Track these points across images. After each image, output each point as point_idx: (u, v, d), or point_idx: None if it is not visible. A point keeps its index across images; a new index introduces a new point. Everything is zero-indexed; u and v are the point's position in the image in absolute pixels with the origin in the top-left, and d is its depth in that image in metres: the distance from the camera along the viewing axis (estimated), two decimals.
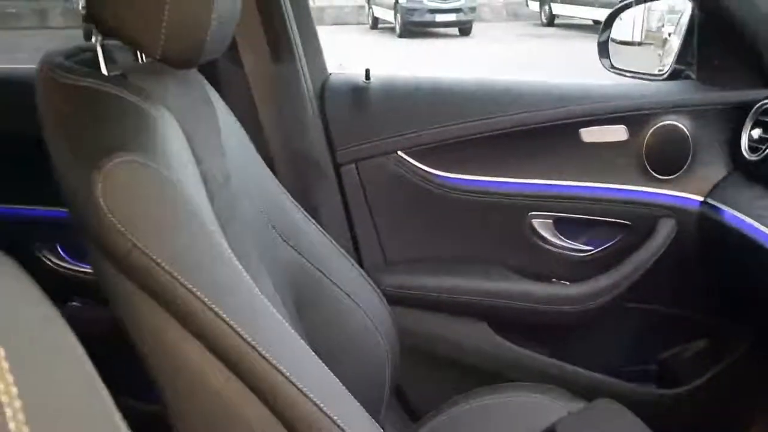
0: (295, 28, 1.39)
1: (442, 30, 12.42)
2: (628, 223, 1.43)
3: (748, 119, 1.34)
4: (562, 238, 1.46)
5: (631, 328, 1.49)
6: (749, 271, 1.25)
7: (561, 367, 1.44)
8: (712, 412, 1.43)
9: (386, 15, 12.49)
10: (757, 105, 1.33)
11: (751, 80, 1.36)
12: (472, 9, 12.70)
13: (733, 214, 1.28)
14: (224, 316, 0.68)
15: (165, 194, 0.70)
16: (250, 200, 1.01)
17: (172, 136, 0.76)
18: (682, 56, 1.52)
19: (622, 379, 1.46)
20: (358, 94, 1.44)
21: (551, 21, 12.40)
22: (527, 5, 13.56)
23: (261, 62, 1.37)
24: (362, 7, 13.35)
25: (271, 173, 1.13)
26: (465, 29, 12.35)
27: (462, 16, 12.34)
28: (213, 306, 0.67)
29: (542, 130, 1.41)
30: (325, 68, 1.50)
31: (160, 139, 0.74)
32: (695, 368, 1.44)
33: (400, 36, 11.80)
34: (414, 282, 1.44)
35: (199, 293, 0.67)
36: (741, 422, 1.41)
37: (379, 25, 12.86)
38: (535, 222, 1.44)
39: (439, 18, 12.00)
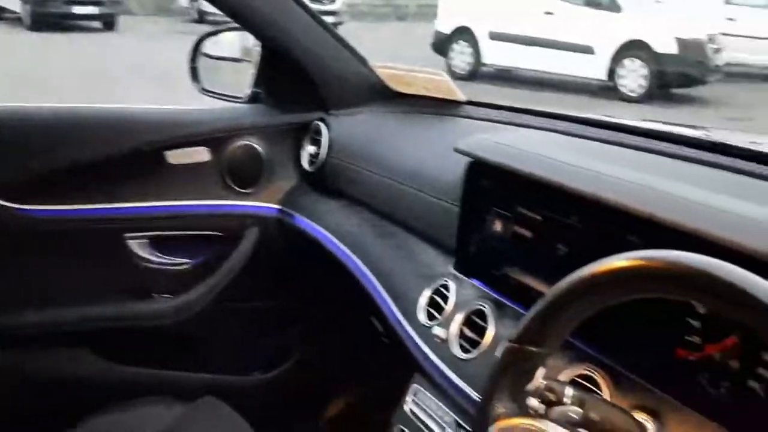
0: None
1: (84, 23, 11.56)
2: (220, 234, 1.59)
3: (306, 137, 1.60)
4: (160, 255, 1.56)
5: (234, 326, 1.66)
6: (316, 263, 1.50)
7: (171, 376, 1.55)
8: (298, 392, 1.67)
9: (11, 2, 11.13)
10: (312, 125, 1.59)
11: (308, 104, 1.61)
12: (117, 1, 12.07)
13: (301, 218, 1.52)
14: None
15: None
16: None
17: None
18: (258, 82, 1.73)
19: (231, 374, 1.62)
20: None
21: (201, 18, 12.38)
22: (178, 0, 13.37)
23: None
24: None
25: None
26: (109, 23, 11.68)
27: (105, 9, 11.63)
28: None
29: (130, 156, 1.49)
30: None
31: None
32: (286, 353, 1.68)
33: (31, 29, 10.64)
34: (20, 320, 1.42)
35: None
36: (324, 399, 1.69)
37: (5, 15, 11.43)
38: (132, 243, 1.52)
39: (78, 9, 11.13)
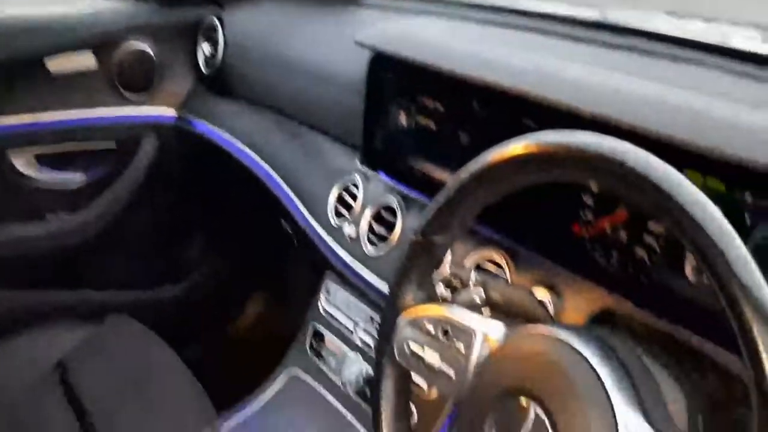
0: None
1: None
2: (113, 146, 1.50)
3: (200, 36, 1.50)
4: (52, 173, 1.47)
5: (137, 241, 1.61)
6: (220, 170, 1.45)
7: (76, 296, 1.50)
8: (209, 302, 1.67)
9: None
10: (206, 22, 1.49)
11: None
12: None
13: (200, 123, 1.46)
14: None
15: None
16: None
17: None
18: None
19: (138, 290, 1.59)
20: None
21: None
22: None
23: None
24: None
25: None
26: None
27: None
28: None
29: (6, 66, 1.36)
30: None
31: None
32: (194, 264, 1.65)
33: None
34: None
35: None
36: (236, 307, 1.69)
37: None
38: (16, 161, 1.42)
39: None
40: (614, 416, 0.53)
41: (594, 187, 0.76)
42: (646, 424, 0.54)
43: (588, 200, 0.78)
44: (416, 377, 0.88)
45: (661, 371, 0.61)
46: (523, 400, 0.57)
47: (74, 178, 1.49)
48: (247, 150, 1.32)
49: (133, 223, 1.54)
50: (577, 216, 0.79)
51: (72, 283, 1.50)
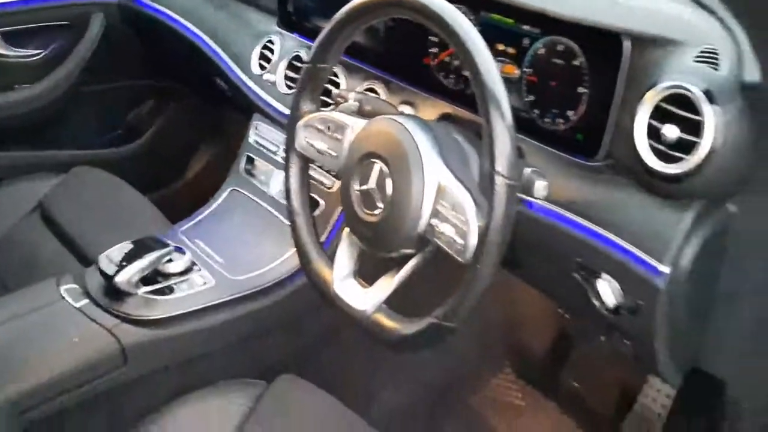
0: None
1: None
2: (67, 23, 1.72)
3: None
4: (15, 49, 1.68)
5: (92, 107, 1.86)
6: (161, 41, 1.69)
7: (43, 155, 1.75)
8: (163, 155, 1.95)
9: None
10: None
11: None
12: None
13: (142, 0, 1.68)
14: None
15: None
16: None
17: None
18: None
19: (98, 149, 1.85)
20: None
21: None
22: None
23: None
24: None
25: None
26: None
27: None
28: None
29: None
30: None
31: None
32: (145, 124, 1.92)
33: None
34: None
35: None
36: (187, 155, 1.96)
37: None
38: None
39: None
40: (422, 162, 0.85)
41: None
42: (446, 167, 0.86)
43: (433, 38, 1.07)
44: (317, 175, 1.19)
45: (465, 141, 0.93)
46: (373, 160, 0.89)
47: (34, 53, 1.71)
48: (184, 21, 1.56)
49: (88, 92, 1.78)
50: (427, 51, 1.09)
51: (40, 145, 1.75)
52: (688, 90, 0.76)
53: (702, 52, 0.79)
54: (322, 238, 1.12)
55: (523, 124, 0.96)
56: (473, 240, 0.79)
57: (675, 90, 0.77)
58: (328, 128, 0.98)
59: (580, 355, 1.28)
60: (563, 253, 0.88)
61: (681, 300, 0.79)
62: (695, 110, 0.76)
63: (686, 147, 0.76)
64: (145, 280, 1.11)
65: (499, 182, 0.76)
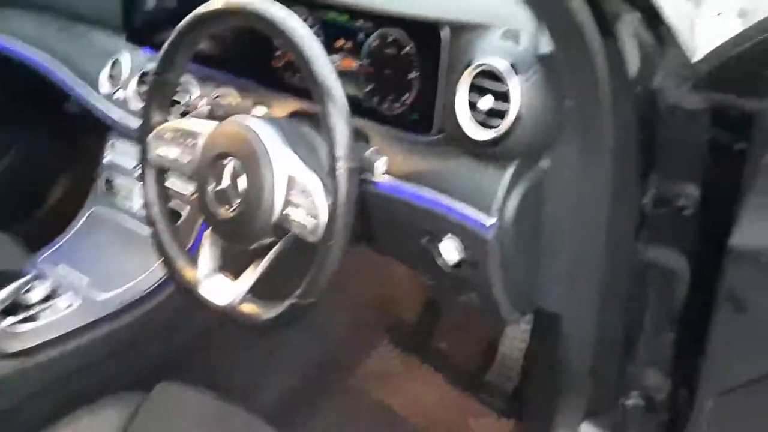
0: None
1: None
2: None
3: None
4: None
5: None
6: (7, 71, 1.64)
7: None
8: (22, 183, 1.89)
9: None
10: None
11: None
12: None
13: None
14: None
15: None
16: None
17: None
18: None
19: None
20: None
21: None
22: None
23: None
24: None
25: None
26: None
27: None
28: None
29: None
30: None
31: None
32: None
33: None
34: None
35: None
36: (49, 182, 1.93)
37: None
38: None
39: None
40: (270, 157, 0.91)
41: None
42: (295, 158, 0.92)
43: (277, 44, 1.14)
44: (177, 185, 1.22)
45: (314, 133, 1.00)
46: (225, 160, 0.94)
47: None
48: (26, 47, 1.54)
49: None
50: (273, 54, 1.16)
51: None
52: (495, 65, 0.87)
53: (505, 31, 0.91)
54: (188, 245, 1.15)
55: (365, 111, 1.05)
56: (323, 219, 0.87)
57: (485, 67, 0.89)
58: (180, 136, 1.02)
59: (446, 319, 1.39)
60: (410, 222, 0.98)
61: (510, 247, 0.91)
62: (503, 82, 0.87)
63: (499, 114, 0.87)
64: (6, 312, 1.10)
65: (340, 165, 0.86)
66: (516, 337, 1.25)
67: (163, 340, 1.31)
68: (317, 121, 1.05)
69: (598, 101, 0.84)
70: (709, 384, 0.84)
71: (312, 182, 0.89)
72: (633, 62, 0.88)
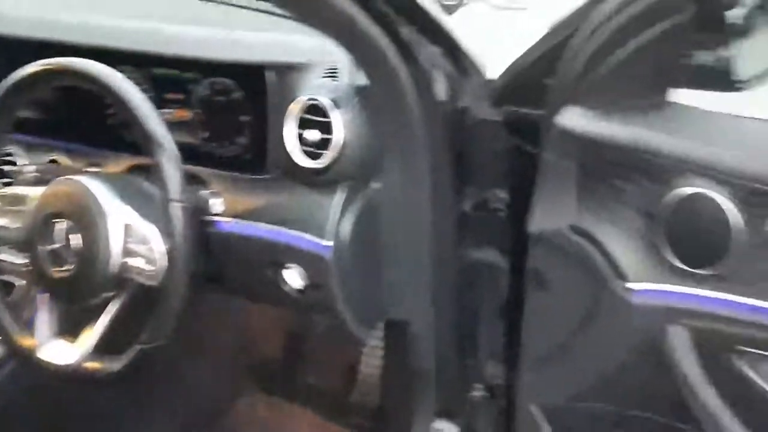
0: None
1: None
2: None
3: None
4: None
5: None
6: None
7: None
8: None
9: None
10: None
11: None
12: None
13: None
14: None
15: None
16: None
17: None
18: None
19: None
20: None
21: None
22: None
23: None
24: None
25: None
26: None
27: None
28: None
29: None
30: None
31: None
32: None
33: None
34: None
35: None
36: None
37: None
38: None
39: None
40: (104, 211, 0.93)
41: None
42: (130, 209, 0.94)
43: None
44: (8, 257, 1.19)
45: (147, 184, 1.01)
46: (57, 220, 0.95)
47: None
48: None
49: None
50: (105, 112, 1.16)
51: None
52: (319, 100, 0.94)
53: (327, 69, 0.99)
54: (27, 315, 1.11)
55: (202, 158, 1.08)
56: (162, 263, 0.90)
57: (310, 102, 0.96)
58: (7, 203, 1.01)
59: (309, 353, 1.41)
60: (254, 257, 1.02)
61: (349, 265, 0.97)
62: (326, 115, 0.94)
63: (326, 145, 0.94)
64: None
65: (173, 206, 0.90)
66: (373, 354, 1.30)
67: (17, 416, 1.24)
68: (154, 171, 1.08)
69: (410, 125, 0.94)
70: (527, 356, 0.93)
71: (149, 229, 0.92)
72: (440, 87, 0.99)
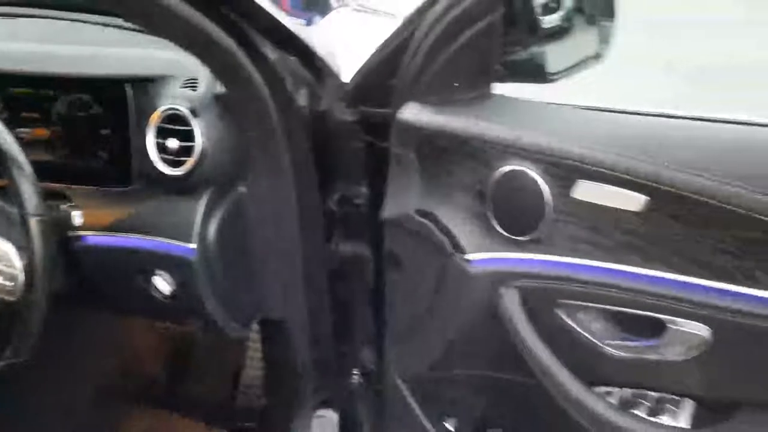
0: None
1: None
2: None
3: None
4: None
5: None
6: None
7: None
8: None
9: None
10: None
11: None
12: None
13: None
14: None
15: None
16: None
17: None
18: None
19: None
20: None
21: None
22: None
23: None
24: None
25: None
26: None
27: None
28: None
29: None
30: None
31: None
32: None
33: None
34: None
35: None
36: None
37: None
38: None
39: None
40: None
41: None
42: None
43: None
44: None
45: (2, 204, 1.00)
46: None
47: None
48: None
49: None
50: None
51: None
52: (178, 110, 0.98)
53: (186, 80, 1.03)
54: None
55: (64, 174, 1.08)
56: (21, 278, 0.91)
57: (169, 112, 0.99)
58: None
59: (190, 360, 1.42)
60: (121, 267, 1.04)
61: (215, 266, 1.01)
62: (187, 123, 0.97)
63: (187, 152, 0.98)
64: None
65: (31, 220, 0.91)
66: (254, 356, 1.32)
67: None
68: (9, 189, 1.07)
69: (270, 129, 0.98)
70: (390, 334, 1.01)
71: (5, 247, 0.93)
72: (299, 93, 1.04)
